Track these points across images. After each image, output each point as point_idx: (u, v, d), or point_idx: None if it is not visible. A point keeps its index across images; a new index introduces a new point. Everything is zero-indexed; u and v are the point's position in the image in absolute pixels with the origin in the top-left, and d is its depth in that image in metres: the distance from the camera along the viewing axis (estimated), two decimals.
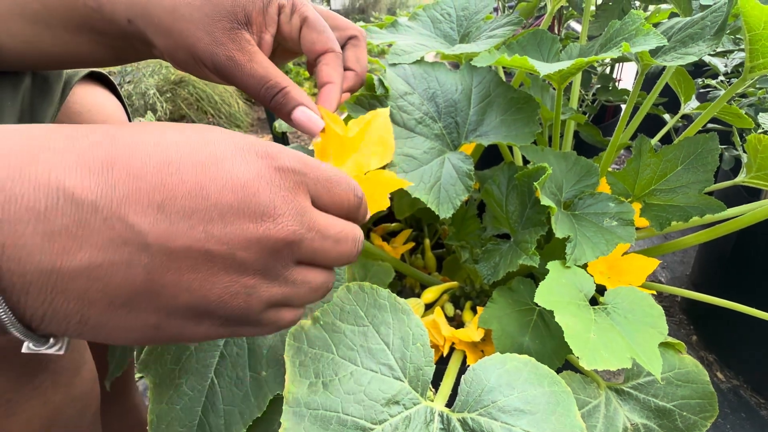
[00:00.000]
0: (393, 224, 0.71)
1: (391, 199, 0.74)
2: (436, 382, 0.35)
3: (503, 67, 0.60)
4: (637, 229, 0.52)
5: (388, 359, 0.28)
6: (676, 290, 0.51)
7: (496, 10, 1.00)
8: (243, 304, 0.19)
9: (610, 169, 0.53)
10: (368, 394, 0.27)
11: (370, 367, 0.28)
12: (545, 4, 0.75)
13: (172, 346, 0.35)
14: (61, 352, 0.18)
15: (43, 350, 0.17)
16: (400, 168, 0.43)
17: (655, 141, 0.71)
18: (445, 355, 0.45)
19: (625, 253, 0.48)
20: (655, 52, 0.42)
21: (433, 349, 0.45)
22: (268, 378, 0.30)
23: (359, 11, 3.31)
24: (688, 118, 0.90)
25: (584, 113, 0.93)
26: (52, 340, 0.17)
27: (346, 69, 0.33)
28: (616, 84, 1.02)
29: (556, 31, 1.05)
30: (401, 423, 0.26)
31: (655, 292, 0.43)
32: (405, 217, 0.60)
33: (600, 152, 0.62)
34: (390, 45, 0.53)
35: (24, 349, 0.17)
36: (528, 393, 0.28)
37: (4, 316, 0.15)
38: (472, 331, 0.43)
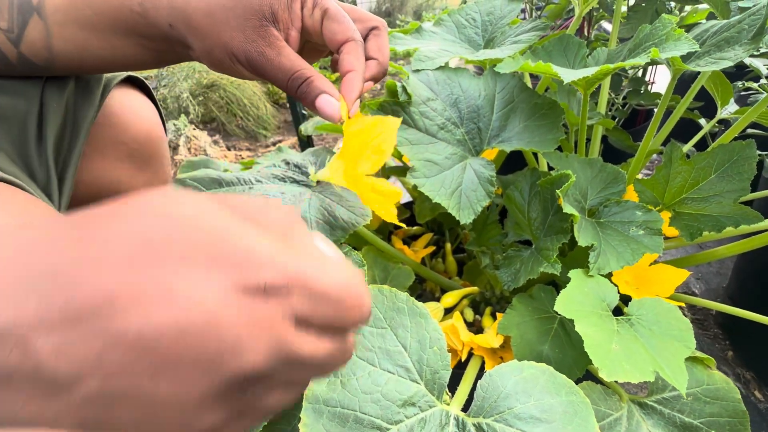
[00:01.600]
0: (414, 228, 0.71)
1: (412, 203, 0.74)
2: (454, 386, 0.35)
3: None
4: (666, 238, 0.51)
5: (405, 361, 0.29)
6: (710, 303, 0.49)
7: (523, 11, 0.99)
8: None
9: (639, 176, 0.51)
10: (385, 395, 0.27)
11: (387, 369, 0.28)
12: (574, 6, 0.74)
13: None
14: None
15: None
16: (421, 173, 0.43)
17: (689, 147, 0.68)
18: (463, 360, 0.45)
19: (654, 262, 0.46)
20: (687, 57, 0.40)
21: (451, 354, 0.46)
22: None
23: (385, 14, 3.33)
24: (726, 123, 0.85)
25: (614, 117, 0.91)
26: None
27: (368, 58, 0.34)
28: (649, 87, 0.98)
29: (586, 33, 1.03)
30: (417, 425, 0.27)
31: (684, 305, 0.42)
32: (426, 221, 0.61)
33: (630, 158, 0.60)
34: (414, 51, 0.54)
35: None
36: (545, 401, 0.27)
37: None
38: (491, 337, 0.43)
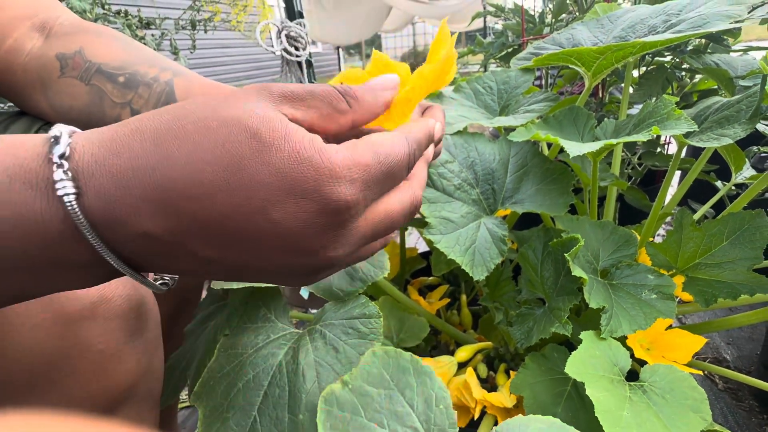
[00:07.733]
0: (431, 278, 0.73)
1: (429, 253, 0.75)
2: None
3: None
4: (683, 302, 0.50)
5: (413, 422, 0.30)
6: (736, 375, 0.48)
7: (539, 78, 1.05)
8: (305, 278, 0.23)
9: (652, 239, 0.52)
10: None
11: (396, 430, 0.30)
12: None
13: (223, 380, 0.39)
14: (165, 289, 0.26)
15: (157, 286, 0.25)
16: (437, 230, 0.46)
17: (705, 209, 0.68)
18: (476, 418, 0.44)
19: (673, 326, 0.46)
20: (690, 132, 0.43)
21: (460, 411, 0.45)
22: (304, 421, 0.32)
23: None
24: (744, 185, 0.86)
25: (629, 177, 0.93)
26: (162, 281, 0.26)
27: None
28: (665, 147, 1.00)
29: (600, 95, 1.08)
30: None
31: (702, 373, 0.41)
32: (442, 273, 0.62)
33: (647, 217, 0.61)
34: None
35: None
36: None
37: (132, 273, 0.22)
38: (504, 396, 0.43)
